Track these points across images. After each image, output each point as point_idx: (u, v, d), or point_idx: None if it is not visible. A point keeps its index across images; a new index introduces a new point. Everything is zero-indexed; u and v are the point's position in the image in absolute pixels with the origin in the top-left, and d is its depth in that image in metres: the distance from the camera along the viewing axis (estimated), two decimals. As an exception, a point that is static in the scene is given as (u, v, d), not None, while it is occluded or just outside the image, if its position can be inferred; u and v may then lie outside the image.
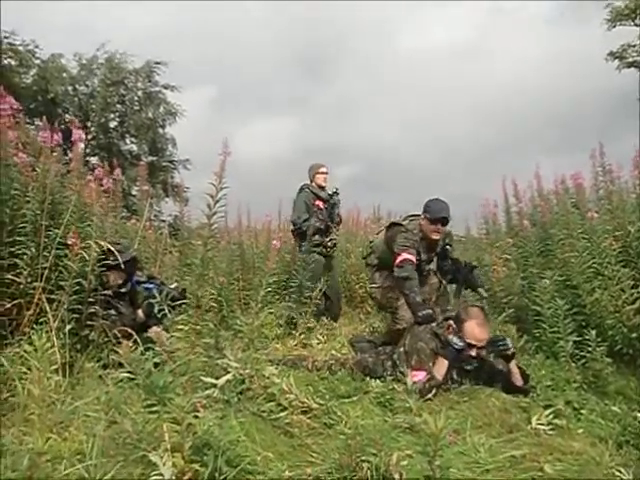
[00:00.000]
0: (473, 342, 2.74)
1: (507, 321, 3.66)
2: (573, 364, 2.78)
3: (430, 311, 3.16)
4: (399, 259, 3.42)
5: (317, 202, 4.85)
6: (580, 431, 2.08)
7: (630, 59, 12.56)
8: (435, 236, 3.55)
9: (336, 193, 4.91)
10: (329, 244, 4.79)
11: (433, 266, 3.72)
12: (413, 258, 3.42)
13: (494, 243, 4.73)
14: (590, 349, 2.71)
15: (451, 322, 2.90)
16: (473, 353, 2.75)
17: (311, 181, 4.99)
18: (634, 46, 12.39)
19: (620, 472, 1.65)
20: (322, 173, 4.97)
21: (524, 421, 2.18)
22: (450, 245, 3.79)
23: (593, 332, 2.71)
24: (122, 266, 2.98)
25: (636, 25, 12.38)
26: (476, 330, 2.75)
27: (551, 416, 2.18)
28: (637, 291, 3.02)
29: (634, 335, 2.89)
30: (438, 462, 1.15)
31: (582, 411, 2.28)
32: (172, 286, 3.29)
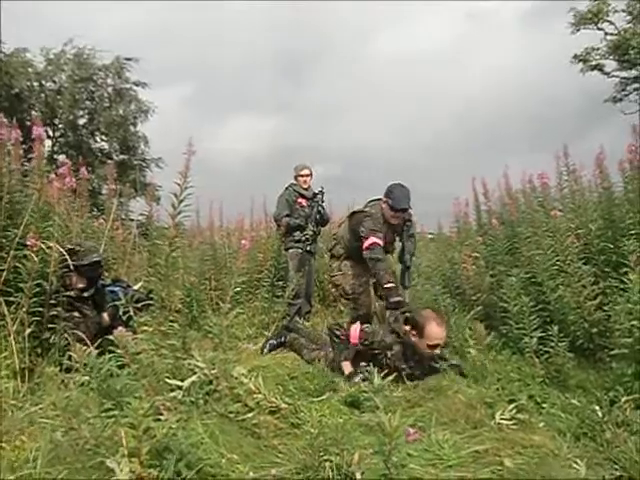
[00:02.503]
0: (437, 342, 2.88)
1: (476, 318, 3.72)
2: (537, 359, 2.84)
3: (400, 298, 3.25)
4: (367, 242, 3.54)
5: (300, 200, 4.96)
6: (541, 425, 2.13)
7: (594, 62, 12.97)
8: (394, 221, 3.70)
9: (321, 192, 4.97)
10: (302, 238, 4.83)
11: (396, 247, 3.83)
12: (380, 242, 3.53)
13: (464, 241, 4.81)
14: (553, 344, 2.77)
15: (409, 329, 2.98)
16: (438, 351, 2.91)
17: (296, 181, 5.10)
18: (597, 49, 12.82)
19: (577, 464, 1.70)
20: (302, 175, 5.07)
21: (488, 416, 2.21)
22: (410, 221, 3.85)
23: (556, 328, 2.77)
24: (83, 269, 2.90)
25: (599, 29, 12.80)
26: (438, 330, 2.89)
27: (514, 411, 2.23)
28: (598, 287, 3.12)
29: (594, 330, 2.98)
30: (395, 459, 1.16)
31: (544, 405, 2.34)
32: (137, 286, 3.23)
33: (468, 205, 5.10)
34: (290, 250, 4.89)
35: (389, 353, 2.95)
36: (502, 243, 4.05)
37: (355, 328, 3.10)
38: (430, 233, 7.83)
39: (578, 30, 12.80)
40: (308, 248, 4.86)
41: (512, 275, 3.29)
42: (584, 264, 3.19)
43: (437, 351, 2.91)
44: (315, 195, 4.98)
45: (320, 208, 4.94)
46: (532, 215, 3.82)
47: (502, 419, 2.16)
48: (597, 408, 2.07)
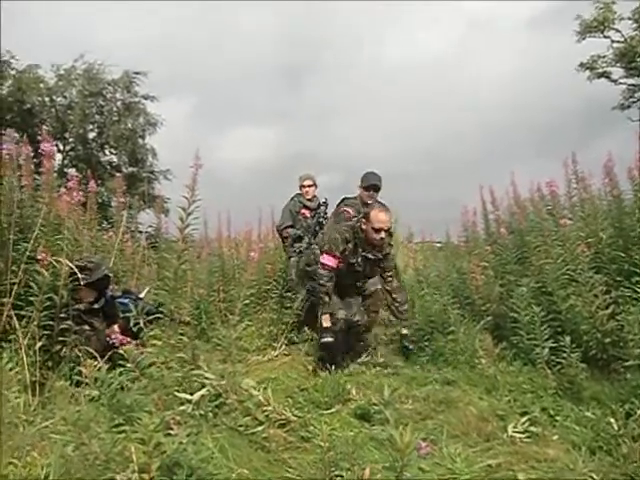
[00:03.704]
0: (381, 226, 3.25)
1: (486, 328, 3.68)
2: (549, 370, 2.81)
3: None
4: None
5: (303, 211, 4.96)
6: (555, 438, 2.10)
7: (600, 70, 12.96)
8: (369, 200, 3.75)
9: (324, 204, 4.91)
10: (299, 250, 4.75)
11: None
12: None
13: (473, 251, 4.78)
14: (565, 355, 2.73)
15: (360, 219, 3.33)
16: (383, 235, 3.28)
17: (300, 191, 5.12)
18: (604, 57, 12.81)
19: (592, 479, 1.67)
20: (304, 186, 5.08)
21: (501, 429, 2.19)
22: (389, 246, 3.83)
23: (568, 338, 2.74)
24: (92, 284, 2.91)
25: (605, 37, 12.80)
26: (381, 215, 3.27)
27: (527, 424, 2.19)
28: (610, 297, 3.07)
29: (607, 340, 2.93)
30: (407, 475, 1.14)
31: (557, 418, 2.30)
32: (143, 293, 3.25)
33: (476, 214, 5.08)
34: (292, 259, 4.86)
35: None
36: (511, 252, 4.02)
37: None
38: (438, 242, 7.81)
39: (584, 38, 12.82)
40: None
41: (522, 285, 3.27)
42: (595, 273, 3.15)
43: (382, 235, 3.28)
44: (319, 206, 4.94)
45: (321, 219, 4.87)
46: (541, 224, 3.79)
47: (515, 432, 2.13)
48: (612, 421, 2.03)
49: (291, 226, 4.91)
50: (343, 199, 4.08)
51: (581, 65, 13.05)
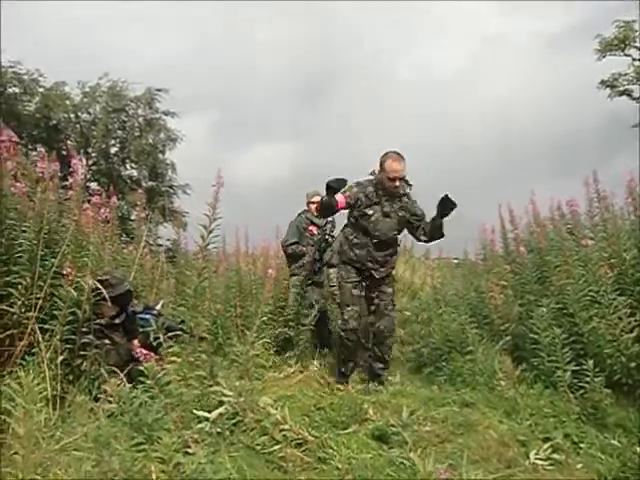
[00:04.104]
0: (395, 175, 3.40)
1: (505, 349, 3.63)
2: (572, 394, 2.74)
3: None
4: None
5: (311, 227, 4.88)
6: (579, 466, 2.04)
7: (621, 87, 12.85)
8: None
9: (332, 222, 4.85)
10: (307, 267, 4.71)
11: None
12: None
13: (491, 269, 4.73)
14: (588, 379, 2.67)
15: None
16: (397, 183, 3.42)
17: (308, 208, 5.05)
18: (625, 75, 12.70)
19: (619, 511, 1.62)
20: (313, 203, 4.95)
21: (522, 455, 2.14)
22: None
23: (591, 362, 2.68)
24: (114, 299, 2.96)
25: (626, 55, 12.71)
26: (394, 165, 3.41)
27: (550, 450, 2.14)
28: (634, 319, 3.00)
29: (632, 365, 2.85)
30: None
31: (581, 445, 2.24)
32: (159, 306, 3.28)
33: (494, 232, 5.03)
34: (293, 277, 4.83)
35: None
36: (531, 272, 3.97)
37: None
38: (455, 258, 7.76)
39: (604, 56, 12.75)
40: (310, 279, 4.71)
41: (542, 305, 3.22)
42: (619, 295, 3.09)
43: (397, 184, 3.42)
44: (326, 223, 4.85)
45: (327, 236, 4.79)
46: (562, 243, 3.75)
47: (537, 459, 2.08)
48: (639, 450, 1.97)
49: (296, 242, 4.83)
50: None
51: (602, 83, 12.94)
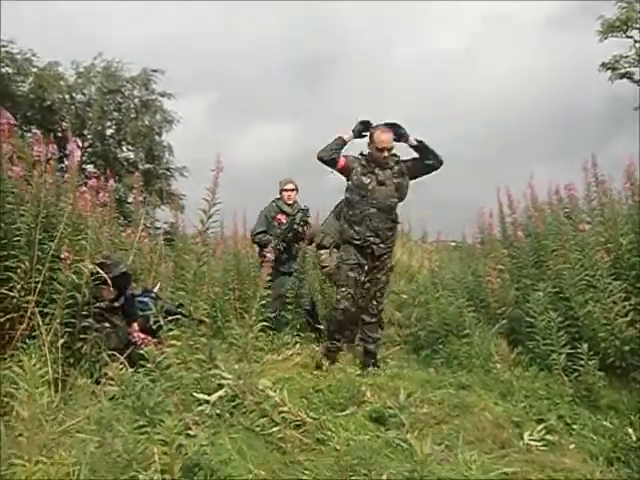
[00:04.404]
0: (383, 145, 3.52)
1: (501, 332, 3.67)
2: (566, 377, 2.79)
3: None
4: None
5: (280, 216, 4.68)
6: (572, 447, 2.09)
7: (622, 70, 12.72)
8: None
9: (303, 210, 4.70)
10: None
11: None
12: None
13: (489, 253, 4.75)
14: (582, 362, 2.71)
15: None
16: (386, 154, 3.54)
17: (280, 195, 4.89)
18: (626, 57, 12.56)
19: (610, 490, 1.66)
20: (286, 190, 4.83)
21: (516, 436, 2.18)
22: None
23: (585, 345, 2.72)
24: (112, 281, 2.97)
25: (628, 37, 12.56)
26: (382, 136, 3.54)
27: (543, 431, 2.19)
28: (629, 304, 3.04)
29: (626, 348, 2.90)
30: (426, 486, 1.16)
31: (574, 426, 2.29)
32: (156, 288, 3.30)
33: (492, 216, 5.04)
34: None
35: None
36: (528, 256, 3.99)
37: None
38: (453, 241, 7.78)
39: (606, 38, 12.59)
40: (280, 268, 4.55)
41: (539, 289, 3.25)
42: (614, 279, 3.12)
43: (385, 154, 3.54)
44: (296, 212, 4.67)
45: (296, 226, 4.61)
46: (559, 228, 3.76)
47: (531, 440, 2.13)
48: (631, 431, 2.02)
49: (264, 232, 4.67)
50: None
51: (603, 65, 12.81)
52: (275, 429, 2.23)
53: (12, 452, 1.36)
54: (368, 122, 3.65)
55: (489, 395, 2.79)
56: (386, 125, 3.60)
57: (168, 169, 15.64)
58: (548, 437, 2.15)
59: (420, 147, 3.59)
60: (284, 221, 4.63)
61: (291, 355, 4.01)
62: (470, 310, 3.76)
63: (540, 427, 2.23)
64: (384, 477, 1.49)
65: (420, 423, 2.35)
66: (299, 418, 2.37)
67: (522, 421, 2.35)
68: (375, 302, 3.71)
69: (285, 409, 2.41)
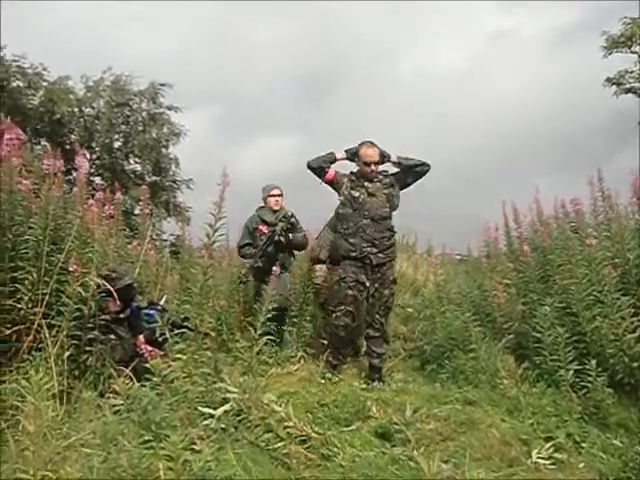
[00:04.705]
0: (370, 159, 3.70)
1: (508, 347, 3.64)
2: (574, 393, 2.76)
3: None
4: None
5: (261, 227, 4.46)
6: (581, 466, 2.06)
7: (628, 85, 12.73)
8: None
9: (286, 218, 4.41)
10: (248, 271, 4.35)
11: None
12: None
13: (495, 267, 4.73)
14: (591, 378, 2.69)
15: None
16: (373, 168, 3.70)
17: (265, 203, 4.62)
18: (631, 72, 12.57)
19: (621, 511, 1.63)
20: (273, 196, 4.55)
21: (524, 454, 2.15)
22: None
23: (593, 361, 2.69)
24: (117, 293, 2.98)
25: (632, 52, 12.59)
26: (368, 151, 3.72)
27: (552, 449, 2.16)
28: (637, 319, 3.01)
29: (635, 364, 2.86)
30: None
31: (583, 444, 2.26)
32: (162, 301, 3.31)
33: (498, 230, 5.03)
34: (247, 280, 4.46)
35: None
36: (534, 270, 3.97)
37: None
38: (458, 254, 7.75)
39: (610, 53, 12.61)
40: (266, 279, 4.10)
41: (545, 304, 3.22)
42: (622, 295, 3.09)
43: (372, 168, 3.70)
44: (280, 221, 4.39)
45: (277, 237, 4.33)
46: (565, 242, 3.75)
47: (539, 458, 2.10)
48: (641, 450, 1.98)
49: (249, 244, 4.49)
50: None
51: (608, 80, 12.82)
52: (280, 444, 2.21)
53: (17, 466, 1.36)
54: (358, 149, 3.81)
55: (496, 411, 2.76)
56: (370, 142, 3.79)
57: (174, 181, 15.75)
58: (556, 455, 2.12)
59: (402, 163, 3.80)
60: (265, 231, 4.41)
61: (296, 369, 3.99)
62: (476, 324, 3.74)
63: (548, 445, 2.20)
64: (391, 495, 1.48)
65: (426, 439, 2.33)
66: (304, 433, 2.36)
67: (530, 438, 2.32)
68: (379, 316, 3.71)
69: (290, 424, 2.39)
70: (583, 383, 2.74)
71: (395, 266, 3.99)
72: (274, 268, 3.47)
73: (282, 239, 4.38)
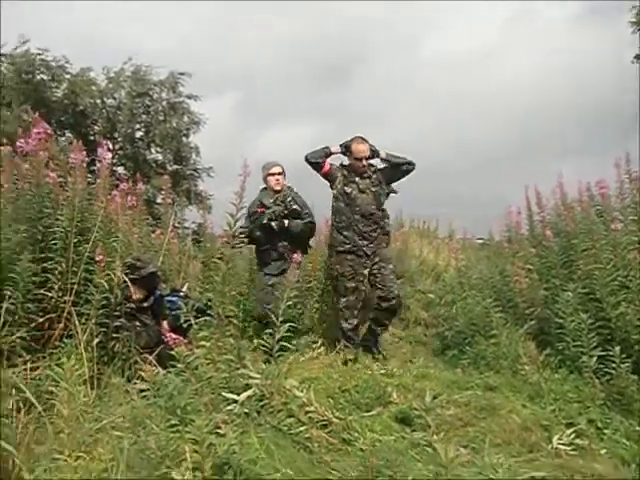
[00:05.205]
0: (361, 155, 3.89)
1: (529, 333, 3.61)
2: (597, 380, 2.73)
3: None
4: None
5: (260, 210, 4.09)
6: (603, 452, 2.05)
7: (658, 62, 12.22)
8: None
9: (283, 202, 4.08)
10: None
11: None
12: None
13: (516, 252, 4.67)
14: (615, 365, 2.66)
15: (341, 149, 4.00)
16: (364, 162, 3.90)
17: (265, 183, 4.25)
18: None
19: (642, 497, 1.63)
20: (272, 174, 4.15)
21: (545, 440, 2.15)
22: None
23: (617, 347, 2.66)
24: (141, 281, 3.06)
25: (663, 28, 12.05)
26: (359, 146, 3.91)
27: (573, 435, 2.15)
28: (664, 305, 2.95)
29: (661, 351, 2.82)
30: (451, 490, 1.17)
31: (605, 430, 2.25)
32: (184, 288, 3.38)
33: (520, 214, 4.94)
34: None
35: None
36: (557, 255, 3.91)
37: None
38: (480, 238, 7.67)
39: (640, 29, 12.10)
40: (265, 269, 4.10)
41: (568, 290, 3.18)
42: (648, 280, 3.03)
43: (364, 163, 3.91)
44: (282, 201, 4.08)
45: (268, 220, 4.00)
46: (590, 226, 3.67)
47: (560, 444, 2.10)
48: (664, 437, 1.96)
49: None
50: None
51: (637, 57, 12.33)
52: (302, 429, 2.26)
53: (54, 448, 1.44)
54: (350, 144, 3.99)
55: (517, 397, 2.75)
56: (361, 137, 3.99)
57: (195, 170, 15.92)
58: (578, 441, 2.12)
59: (390, 160, 4.03)
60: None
61: (317, 355, 4.05)
62: (497, 310, 3.73)
63: (570, 431, 2.19)
64: (409, 479, 1.51)
65: (446, 425, 2.35)
66: (325, 418, 2.40)
67: (551, 424, 2.32)
68: (390, 285, 3.95)
69: (312, 409, 2.44)
70: (606, 369, 2.71)
71: (390, 244, 4.31)
72: (294, 255, 3.29)
73: (273, 224, 3.98)
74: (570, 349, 2.98)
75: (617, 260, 3.22)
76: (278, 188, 4.15)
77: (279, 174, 4.19)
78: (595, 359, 2.78)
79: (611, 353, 2.67)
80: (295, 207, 4.10)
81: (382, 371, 3.58)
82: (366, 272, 3.91)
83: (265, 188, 4.25)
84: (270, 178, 4.17)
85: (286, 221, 4.06)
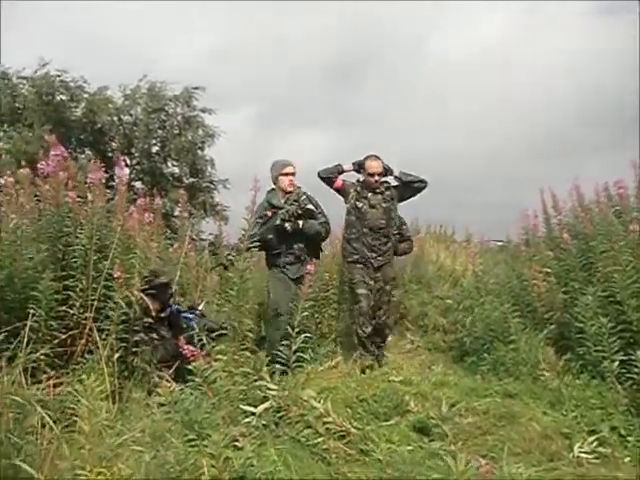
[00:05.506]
0: (374, 171, 4.04)
1: (549, 338, 3.56)
2: (619, 385, 2.68)
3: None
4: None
5: (269, 213, 3.82)
6: (626, 460, 2.01)
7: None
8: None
9: (297, 201, 3.82)
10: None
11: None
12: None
13: (534, 256, 4.61)
14: (637, 369, 2.60)
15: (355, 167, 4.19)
16: (377, 178, 4.05)
17: (275, 184, 3.95)
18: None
19: (667, 507, 1.59)
20: (286, 174, 3.85)
21: (566, 448, 2.12)
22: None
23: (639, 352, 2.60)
24: (154, 292, 3.11)
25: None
26: (372, 163, 4.07)
27: (595, 443, 2.11)
28: (687, 307, 2.88)
29: (685, 354, 2.74)
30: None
31: (629, 438, 2.20)
32: (201, 306, 3.42)
33: (537, 217, 4.88)
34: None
35: None
36: (575, 258, 3.85)
37: None
38: (499, 241, 7.58)
39: (657, 25, 11.85)
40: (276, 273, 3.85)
41: (587, 293, 3.13)
42: (670, 282, 2.97)
43: (376, 178, 4.04)
44: (293, 202, 3.82)
45: (281, 222, 3.72)
46: (608, 228, 3.61)
47: (582, 452, 2.06)
48: (689, 444, 1.92)
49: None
50: None
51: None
52: (319, 440, 2.27)
53: (76, 463, 1.48)
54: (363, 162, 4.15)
55: (537, 404, 2.72)
56: (374, 155, 4.16)
57: (211, 182, 16.11)
58: (600, 449, 2.08)
59: (403, 178, 4.16)
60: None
61: (334, 365, 4.05)
62: (516, 315, 3.69)
63: (592, 439, 2.16)
64: (425, 491, 1.51)
65: (464, 434, 2.33)
66: (343, 428, 2.41)
67: (572, 432, 2.28)
68: (384, 309, 4.14)
69: (329, 419, 2.45)
70: (629, 374, 2.65)
71: (393, 266, 4.41)
72: (308, 267, 3.27)
73: (287, 226, 3.70)
74: (591, 354, 2.93)
75: (637, 262, 3.16)
76: (291, 189, 3.87)
77: (292, 174, 3.89)
78: (617, 364, 2.73)
79: (633, 357, 2.62)
80: (309, 206, 3.81)
81: (400, 378, 3.58)
82: (372, 283, 4.07)
83: (273, 189, 3.95)
84: (283, 178, 3.87)
85: (300, 222, 3.76)
